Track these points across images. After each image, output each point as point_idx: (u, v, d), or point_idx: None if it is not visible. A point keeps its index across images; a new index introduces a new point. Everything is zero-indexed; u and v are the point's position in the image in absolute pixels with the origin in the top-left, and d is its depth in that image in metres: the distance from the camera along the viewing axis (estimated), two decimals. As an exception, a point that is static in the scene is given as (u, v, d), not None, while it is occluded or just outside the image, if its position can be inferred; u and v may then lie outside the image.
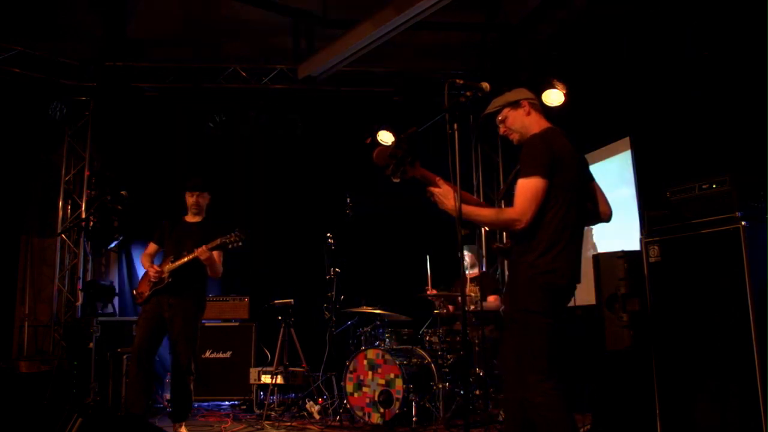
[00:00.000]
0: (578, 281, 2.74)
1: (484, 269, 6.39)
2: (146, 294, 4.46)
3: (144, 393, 4.31)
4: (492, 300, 5.80)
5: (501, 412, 5.18)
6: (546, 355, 2.57)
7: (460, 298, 4.87)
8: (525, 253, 2.67)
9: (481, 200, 7.60)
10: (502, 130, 2.96)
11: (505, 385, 2.83)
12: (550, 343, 2.60)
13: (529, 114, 2.89)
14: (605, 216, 2.94)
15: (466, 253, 6.08)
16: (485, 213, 2.78)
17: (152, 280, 4.44)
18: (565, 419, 2.51)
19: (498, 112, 2.93)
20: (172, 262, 4.41)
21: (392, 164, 2.79)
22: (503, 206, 2.85)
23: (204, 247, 4.28)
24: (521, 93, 2.93)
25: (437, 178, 2.84)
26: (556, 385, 2.54)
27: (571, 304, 6.02)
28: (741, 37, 4.49)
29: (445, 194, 2.74)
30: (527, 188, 2.62)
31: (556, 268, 2.61)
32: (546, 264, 2.61)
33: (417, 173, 2.86)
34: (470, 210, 2.73)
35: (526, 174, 2.65)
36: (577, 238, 2.72)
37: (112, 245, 6.88)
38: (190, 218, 4.64)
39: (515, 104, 2.89)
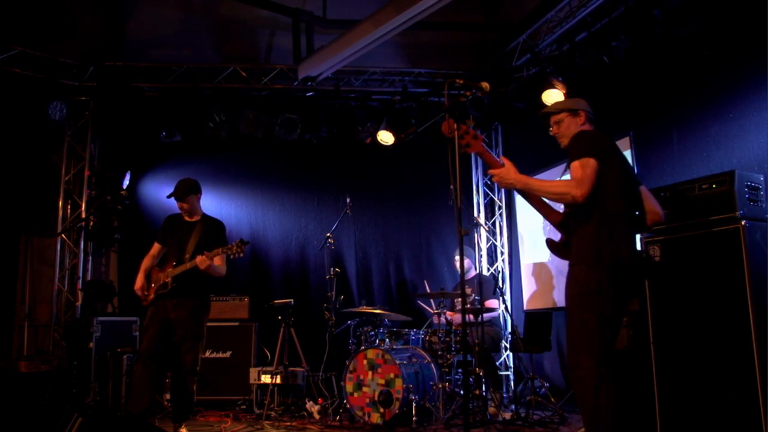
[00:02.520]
0: (641, 268, 2.87)
1: (477, 270, 6.40)
2: (151, 297, 4.46)
3: (148, 394, 4.30)
4: (489, 305, 5.81)
5: (501, 413, 5.19)
6: (599, 339, 2.62)
7: (459, 300, 4.90)
8: (586, 235, 2.75)
9: (481, 199, 7.65)
10: (554, 130, 3.14)
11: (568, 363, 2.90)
12: (604, 327, 2.64)
13: (583, 125, 3.07)
14: (653, 215, 3.06)
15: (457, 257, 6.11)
16: (546, 182, 2.92)
17: (140, 297, 4.51)
18: (611, 412, 2.55)
19: (556, 113, 3.11)
20: (174, 266, 4.42)
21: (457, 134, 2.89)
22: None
23: (204, 255, 4.28)
24: (581, 103, 3.12)
25: (495, 158, 2.98)
26: (608, 372, 2.58)
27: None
28: (741, 36, 4.49)
29: (505, 173, 2.93)
30: (582, 164, 2.74)
31: (617, 245, 2.69)
32: (608, 242, 2.69)
33: (478, 149, 2.95)
34: (530, 180, 2.91)
35: (578, 155, 2.77)
36: (631, 232, 2.81)
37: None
38: (187, 218, 4.64)
39: (574, 112, 3.08)
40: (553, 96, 5.87)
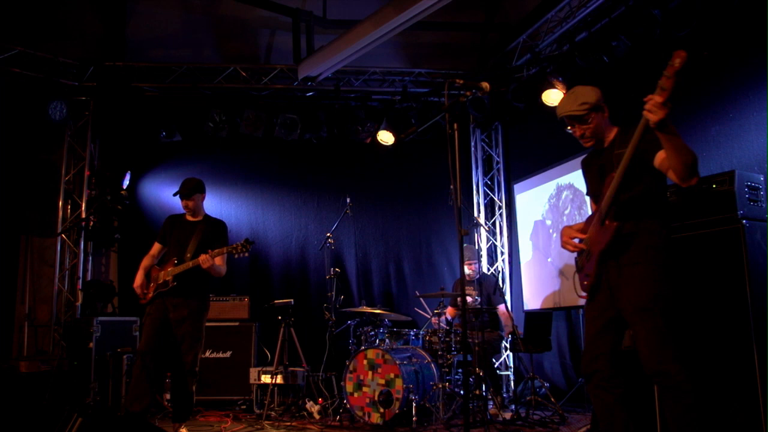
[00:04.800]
0: None
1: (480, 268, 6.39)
2: (150, 295, 4.46)
3: (147, 393, 4.30)
4: (502, 312, 5.80)
5: (501, 413, 5.18)
6: (678, 342, 2.62)
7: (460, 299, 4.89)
8: (652, 233, 2.71)
9: (481, 199, 7.64)
10: (579, 132, 2.92)
11: (601, 375, 2.87)
12: (676, 330, 2.63)
13: (607, 117, 2.92)
14: None
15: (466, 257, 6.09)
16: (687, 147, 2.51)
17: (138, 295, 4.50)
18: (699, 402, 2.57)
19: (584, 114, 2.87)
20: (176, 265, 4.41)
21: None
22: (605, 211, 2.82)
23: (208, 254, 4.28)
24: (599, 93, 2.91)
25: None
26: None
27: (572, 303, 6.01)
28: (741, 36, 4.49)
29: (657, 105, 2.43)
30: None
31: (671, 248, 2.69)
32: (670, 243, 2.67)
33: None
34: (674, 139, 2.48)
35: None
36: None
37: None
38: (189, 217, 4.65)
39: (600, 109, 2.89)
40: (553, 96, 5.87)
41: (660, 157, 2.63)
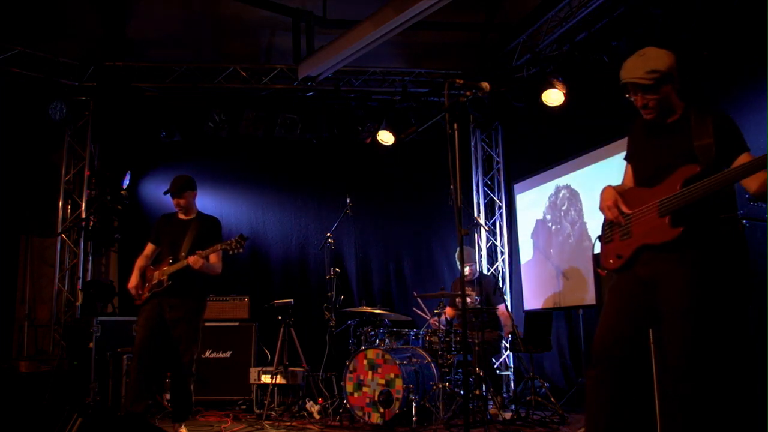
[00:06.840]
0: None
1: (478, 269, 6.37)
2: (145, 296, 4.46)
3: (145, 393, 4.31)
4: (501, 312, 5.80)
5: (501, 413, 5.18)
6: (719, 358, 2.34)
7: (459, 300, 4.88)
8: (714, 225, 2.41)
9: (481, 199, 7.64)
10: (641, 102, 2.53)
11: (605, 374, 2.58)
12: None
13: (678, 88, 2.52)
14: None
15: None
16: None
17: (133, 296, 4.50)
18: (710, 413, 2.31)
19: (657, 84, 2.45)
20: (171, 264, 4.40)
21: None
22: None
23: (196, 255, 4.26)
24: (672, 59, 2.48)
25: None
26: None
27: (572, 303, 6.03)
28: (741, 36, 4.49)
29: None
30: None
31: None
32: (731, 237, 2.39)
33: None
34: None
35: (747, 147, 2.40)
36: None
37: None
38: (182, 216, 4.63)
39: (672, 78, 2.47)
40: (553, 96, 5.86)
41: (742, 161, 2.37)
